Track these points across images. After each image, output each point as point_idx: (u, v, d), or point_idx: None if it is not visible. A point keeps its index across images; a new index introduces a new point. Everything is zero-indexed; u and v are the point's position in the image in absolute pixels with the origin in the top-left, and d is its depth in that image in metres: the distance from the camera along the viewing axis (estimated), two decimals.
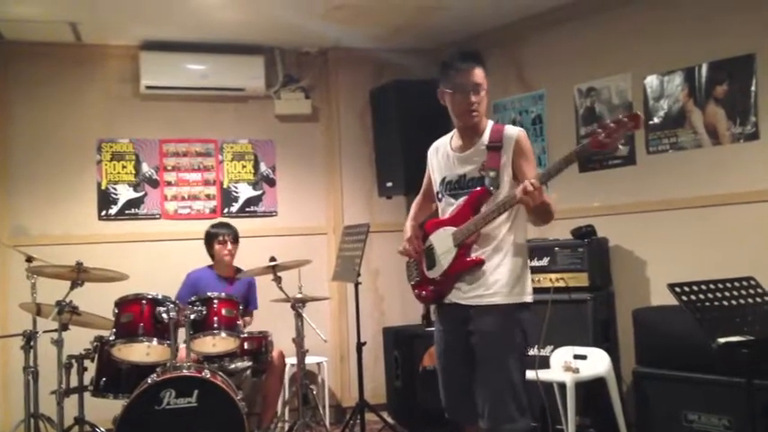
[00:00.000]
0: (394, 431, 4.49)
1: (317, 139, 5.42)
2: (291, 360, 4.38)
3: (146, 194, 5.02)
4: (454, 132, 2.79)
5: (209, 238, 4.51)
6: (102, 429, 3.93)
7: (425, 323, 4.92)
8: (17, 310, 4.02)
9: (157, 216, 5.04)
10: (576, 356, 3.78)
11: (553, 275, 4.14)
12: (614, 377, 3.77)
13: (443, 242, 2.70)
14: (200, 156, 5.16)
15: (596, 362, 3.75)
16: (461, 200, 2.67)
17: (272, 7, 4.39)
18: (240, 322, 3.89)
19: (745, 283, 2.87)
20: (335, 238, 5.15)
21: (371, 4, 4.44)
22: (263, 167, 5.28)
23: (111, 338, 3.68)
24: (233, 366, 3.97)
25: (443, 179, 2.76)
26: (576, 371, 3.68)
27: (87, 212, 4.90)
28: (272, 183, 5.30)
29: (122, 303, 3.72)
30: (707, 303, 2.74)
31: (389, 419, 4.70)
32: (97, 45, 4.94)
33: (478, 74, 2.63)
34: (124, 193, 4.98)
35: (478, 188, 2.62)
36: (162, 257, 4.92)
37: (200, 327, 3.74)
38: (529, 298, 2.65)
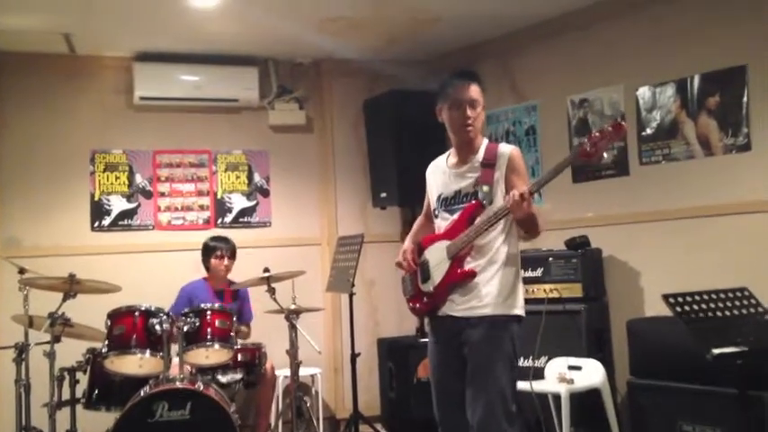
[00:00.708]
0: None
1: (311, 150, 5.43)
2: (284, 372, 4.36)
3: (139, 205, 5.00)
4: (451, 150, 2.84)
5: (207, 251, 4.51)
6: None
7: (419, 335, 4.92)
8: (9, 322, 3.99)
9: (151, 227, 5.02)
10: (571, 367, 3.78)
11: (547, 286, 4.14)
12: (609, 388, 3.77)
13: (437, 255, 2.73)
14: (193, 166, 5.16)
15: (591, 373, 3.75)
16: (456, 214, 2.71)
17: (266, 18, 4.39)
18: (233, 334, 3.87)
19: (738, 294, 2.88)
20: (329, 248, 5.15)
21: (365, 15, 4.45)
22: (256, 178, 5.28)
23: (103, 350, 3.65)
24: (226, 378, 3.95)
25: (440, 196, 2.80)
26: (571, 382, 3.68)
27: (80, 223, 4.88)
28: (265, 193, 5.29)
29: (115, 315, 3.69)
30: (701, 314, 2.75)
31: (384, 431, 4.69)
32: (91, 56, 4.94)
33: (475, 90, 2.69)
34: (117, 204, 4.96)
35: (473, 202, 2.65)
36: (155, 269, 4.90)
37: (194, 338, 3.72)
38: (520, 311, 2.66)
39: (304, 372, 4.46)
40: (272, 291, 3.76)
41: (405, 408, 4.67)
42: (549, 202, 4.45)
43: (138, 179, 5.02)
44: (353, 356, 4.21)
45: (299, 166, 5.38)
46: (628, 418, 3.80)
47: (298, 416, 3.82)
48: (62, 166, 4.86)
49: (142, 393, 3.41)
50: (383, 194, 5.11)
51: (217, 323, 3.78)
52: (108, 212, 4.93)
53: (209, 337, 3.74)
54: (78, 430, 3.86)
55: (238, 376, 3.99)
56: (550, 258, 4.18)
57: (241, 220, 5.21)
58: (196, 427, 3.34)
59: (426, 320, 4.77)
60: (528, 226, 2.59)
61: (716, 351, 2.59)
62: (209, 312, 3.79)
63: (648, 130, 4.18)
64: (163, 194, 5.06)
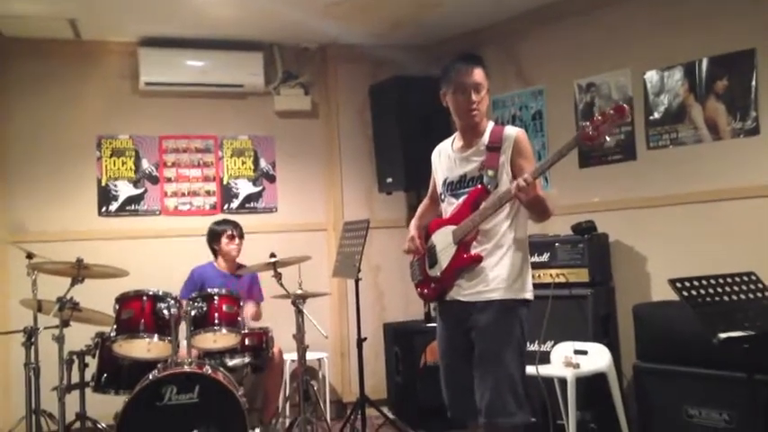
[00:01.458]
0: (395, 426, 4.50)
1: (317, 135, 5.42)
2: (291, 356, 4.39)
3: (146, 191, 5.02)
4: (456, 134, 2.83)
5: (215, 235, 4.52)
6: (104, 425, 3.94)
7: (426, 319, 4.93)
8: (18, 307, 4.03)
9: (157, 212, 5.04)
10: (577, 352, 3.78)
11: (553, 271, 4.15)
12: (615, 372, 3.78)
13: (444, 240, 2.73)
14: (199, 152, 5.16)
15: (597, 357, 3.76)
16: (461, 199, 2.70)
17: (270, 3, 4.37)
18: (240, 318, 3.89)
19: (745, 279, 2.87)
20: (335, 234, 5.15)
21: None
22: (262, 163, 5.28)
23: (111, 335, 3.68)
24: (234, 362, 3.97)
25: (445, 180, 2.80)
26: (577, 366, 3.69)
27: (87, 209, 4.90)
28: (271, 179, 5.30)
29: (123, 300, 3.72)
30: (708, 299, 2.75)
31: (390, 414, 4.71)
32: (96, 41, 4.94)
33: (479, 74, 2.68)
34: (124, 190, 4.97)
35: (478, 186, 2.65)
36: (162, 254, 4.92)
37: (201, 323, 3.74)
38: (528, 295, 2.66)
39: (311, 356, 4.48)
40: (278, 276, 3.77)
41: (411, 392, 4.69)
42: (556, 187, 4.45)
43: (145, 164, 5.03)
44: (360, 341, 4.22)
45: (305, 151, 5.38)
46: (634, 402, 3.81)
47: (305, 399, 3.83)
48: (69, 152, 4.88)
49: (151, 377, 3.44)
50: (389, 180, 5.11)
51: (224, 308, 3.80)
52: (115, 198, 4.95)
53: (216, 321, 3.76)
54: (88, 413, 3.90)
55: (246, 360, 4.01)
56: (557, 243, 4.18)
57: (247, 205, 5.22)
58: (204, 410, 3.37)
59: (433, 305, 4.80)
60: (536, 210, 2.58)
61: (723, 335, 2.59)
62: (216, 297, 3.82)
63: (656, 115, 4.16)
64: (169, 180, 5.07)
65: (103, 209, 4.92)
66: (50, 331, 3.60)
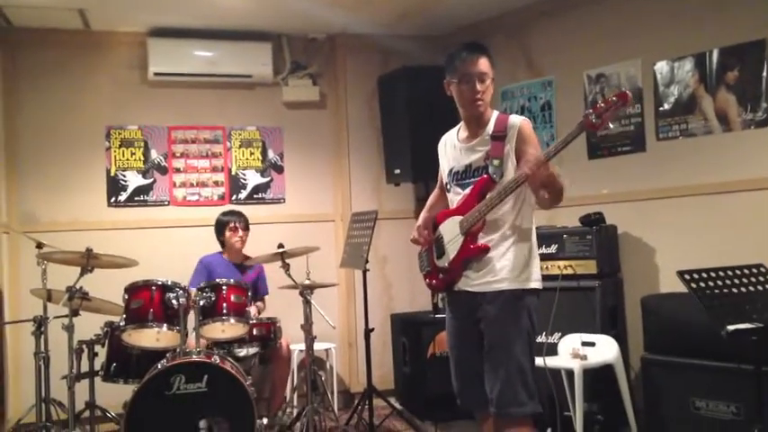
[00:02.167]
0: (402, 417, 4.51)
1: (325, 126, 5.42)
2: (299, 346, 4.40)
3: (155, 181, 5.04)
4: (461, 124, 2.82)
5: (221, 226, 4.55)
6: (113, 414, 3.97)
7: (434, 310, 4.94)
8: (28, 296, 4.06)
9: (166, 203, 5.06)
10: (585, 343, 3.78)
11: (561, 263, 4.14)
12: (622, 364, 3.77)
13: (451, 231, 2.73)
14: (208, 143, 5.17)
15: (604, 349, 3.75)
16: (468, 189, 2.69)
17: None
18: (249, 308, 3.91)
19: (754, 271, 2.86)
20: (343, 225, 5.16)
21: None
22: (270, 154, 5.29)
23: (121, 324, 3.71)
24: (242, 352, 3.99)
25: (451, 170, 2.79)
26: (584, 358, 3.68)
27: (96, 199, 4.92)
28: (279, 170, 5.30)
29: (132, 289, 3.74)
30: (716, 290, 2.74)
31: (397, 405, 4.73)
32: (105, 32, 4.94)
33: (483, 63, 2.65)
34: (133, 180, 4.99)
35: (484, 176, 2.64)
36: (171, 244, 4.94)
37: (210, 313, 3.77)
38: (536, 284, 2.65)
39: (318, 346, 4.50)
40: (286, 267, 3.78)
41: (418, 382, 4.71)
42: (566, 177, 4.43)
43: (154, 155, 5.04)
44: (367, 331, 4.23)
45: (313, 142, 5.38)
46: (641, 394, 3.81)
47: (312, 389, 3.85)
48: (78, 142, 4.90)
49: (159, 366, 3.45)
50: (397, 171, 5.10)
51: (232, 298, 3.83)
52: (124, 188, 4.96)
53: (224, 311, 3.79)
54: (97, 402, 3.93)
55: (254, 350, 4.03)
56: (565, 235, 4.17)
57: (255, 196, 5.23)
58: (212, 399, 3.38)
59: (442, 296, 4.81)
60: (551, 188, 2.50)
61: (731, 327, 2.58)
62: (224, 287, 3.84)
63: (666, 106, 4.14)
64: (178, 170, 5.09)
65: (113, 199, 4.95)
66: (60, 321, 3.63)
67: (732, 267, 2.84)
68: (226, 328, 3.81)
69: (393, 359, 5.17)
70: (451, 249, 2.72)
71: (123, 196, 4.96)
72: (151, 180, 5.03)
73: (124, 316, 3.72)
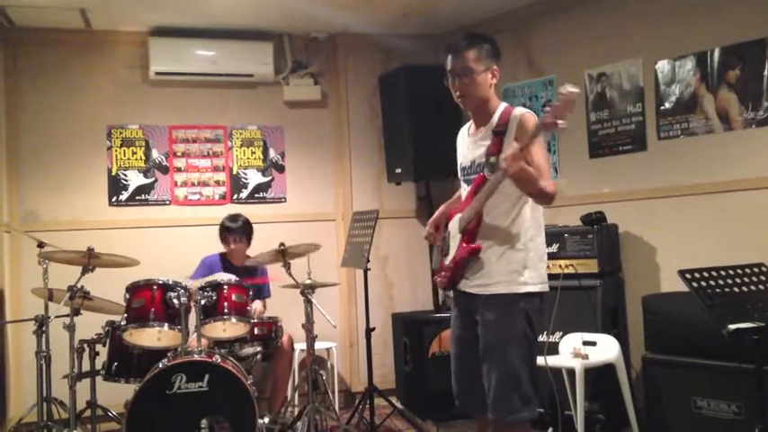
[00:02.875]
0: (403, 416, 4.52)
1: (326, 125, 5.42)
2: (300, 346, 4.40)
3: (156, 180, 5.04)
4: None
5: (223, 233, 4.53)
6: (114, 413, 3.98)
7: (435, 309, 4.93)
8: (29, 295, 4.07)
9: (167, 202, 5.06)
10: (586, 343, 3.78)
11: (563, 262, 4.14)
12: (623, 363, 3.77)
13: (454, 229, 2.72)
14: (209, 142, 5.17)
15: (605, 348, 3.75)
16: (471, 186, 2.67)
17: None
18: (250, 308, 3.91)
19: (756, 270, 2.86)
20: (345, 224, 5.15)
21: None
22: (272, 153, 5.29)
23: (122, 323, 3.71)
24: (243, 351, 4.00)
25: (461, 164, 2.77)
26: (586, 357, 3.68)
27: (98, 198, 4.92)
28: (281, 169, 5.30)
29: (134, 289, 3.74)
30: (717, 290, 2.74)
31: (398, 404, 4.73)
32: (107, 31, 4.95)
33: (467, 56, 2.57)
34: (134, 179, 5.00)
35: (480, 174, 2.61)
36: (172, 243, 4.95)
37: (211, 312, 3.76)
38: (535, 287, 2.56)
39: (320, 345, 4.50)
40: (287, 266, 3.78)
41: (419, 381, 4.70)
42: (566, 177, 4.43)
43: (155, 154, 5.05)
44: (368, 331, 4.23)
45: (314, 141, 5.38)
46: (642, 393, 3.81)
47: (314, 389, 3.85)
48: (79, 141, 4.90)
49: (160, 365, 3.46)
50: (398, 170, 5.10)
51: (234, 297, 3.83)
52: (125, 187, 4.97)
53: (226, 310, 3.78)
54: (98, 401, 3.94)
55: (255, 349, 4.04)
56: (566, 234, 4.17)
57: (256, 195, 5.23)
58: (214, 398, 3.38)
59: (443, 294, 4.82)
60: (524, 186, 2.41)
61: (732, 327, 2.58)
62: (226, 286, 3.83)
63: (667, 105, 4.13)
64: (179, 170, 5.09)
65: (114, 198, 4.95)
66: (61, 320, 3.64)
67: (733, 266, 2.84)
68: (227, 328, 3.80)
69: (394, 358, 5.17)
70: (454, 247, 2.70)
71: (124, 195, 4.96)
72: (152, 179, 5.03)
73: (125, 315, 3.72)
